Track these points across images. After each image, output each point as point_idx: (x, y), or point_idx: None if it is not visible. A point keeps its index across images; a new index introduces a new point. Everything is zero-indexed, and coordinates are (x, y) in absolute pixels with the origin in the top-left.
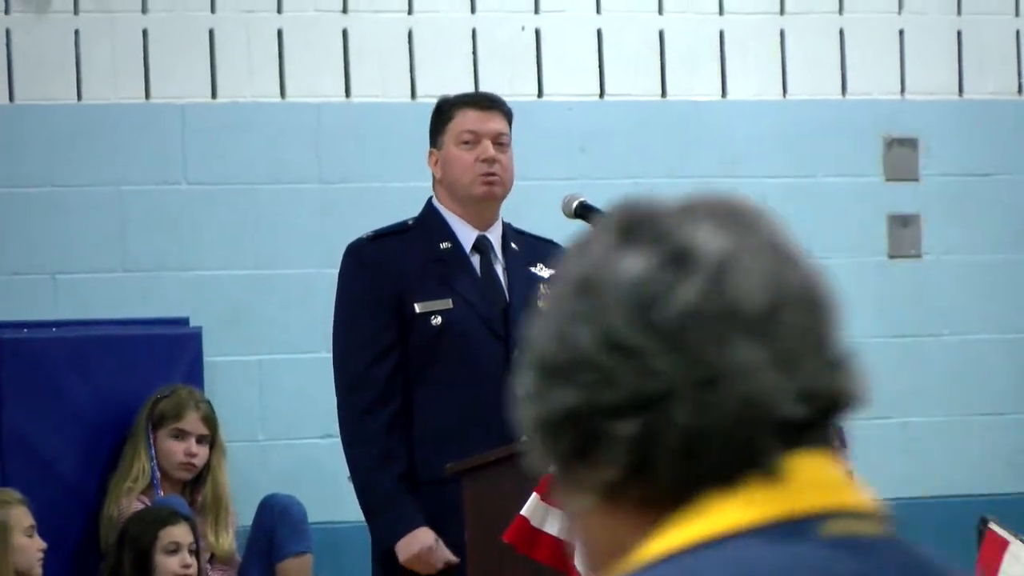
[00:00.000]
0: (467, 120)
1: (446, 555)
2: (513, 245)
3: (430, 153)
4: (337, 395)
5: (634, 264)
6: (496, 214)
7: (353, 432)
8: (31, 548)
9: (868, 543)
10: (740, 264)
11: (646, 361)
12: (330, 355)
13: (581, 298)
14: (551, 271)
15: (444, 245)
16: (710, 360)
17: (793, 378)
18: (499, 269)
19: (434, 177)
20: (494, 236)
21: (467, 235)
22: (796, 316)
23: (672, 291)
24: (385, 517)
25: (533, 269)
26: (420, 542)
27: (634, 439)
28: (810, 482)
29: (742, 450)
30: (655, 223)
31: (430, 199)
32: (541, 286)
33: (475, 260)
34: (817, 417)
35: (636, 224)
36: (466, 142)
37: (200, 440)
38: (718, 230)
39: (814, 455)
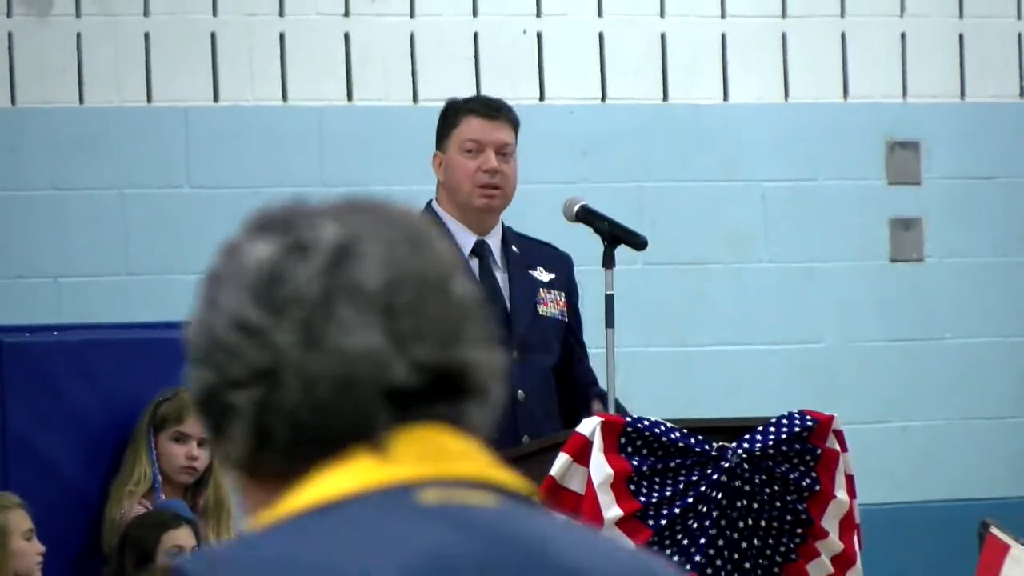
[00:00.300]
0: (472, 128)
1: None
2: (514, 248)
3: (434, 155)
4: None
5: (260, 251)
6: (496, 220)
7: None
8: (30, 552)
9: (464, 512)
10: (360, 251)
11: (266, 337)
12: None
13: (215, 286)
14: (551, 275)
15: None
16: (320, 333)
17: (404, 351)
18: (498, 274)
19: (437, 179)
20: (493, 241)
21: (466, 239)
22: (413, 296)
23: (291, 273)
24: None
25: (533, 273)
26: None
27: (253, 410)
28: (416, 453)
29: (352, 420)
30: (286, 219)
31: (430, 202)
32: (541, 290)
33: (473, 264)
34: (431, 390)
35: (269, 220)
36: (469, 150)
37: (201, 443)
38: (344, 223)
39: (427, 428)
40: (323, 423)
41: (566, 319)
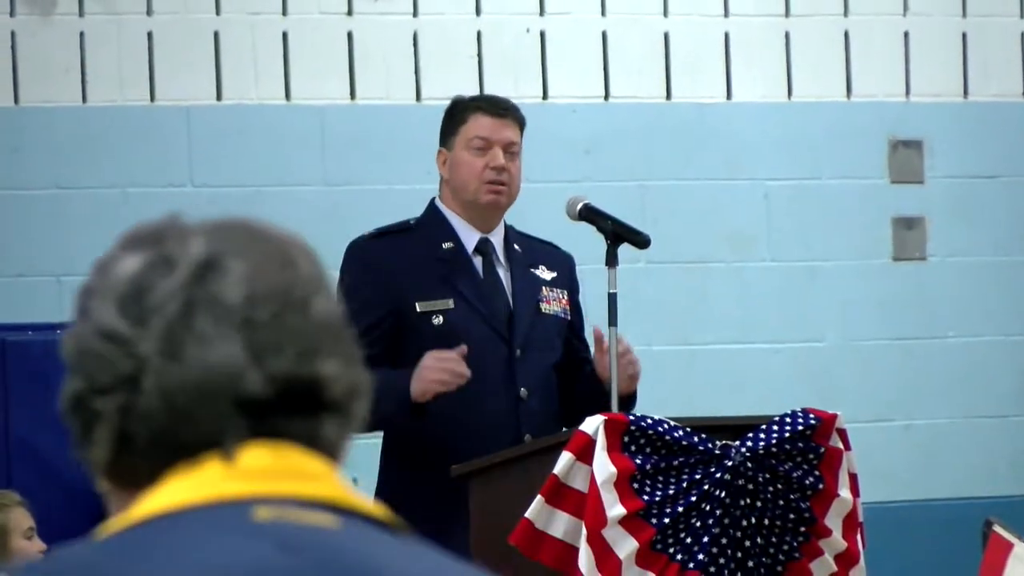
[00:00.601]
0: (480, 126)
1: (457, 357)
2: (516, 247)
3: (439, 152)
4: None
5: (129, 265)
6: (500, 218)
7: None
8: (31, 550)
9: (297, 531)
10: (223, 266)
11: (130, 346)
12: None
13: (88, 298)
14: (553, 273)
15: (446, 245)
16: (180, 343)
17: (260, 363)
18: (501, 271)
19: (441, 176)
20: (496, 239)
21: (470, 237)
22: (272, 311)
23: (155, 285)
24: (388, 394)
25: (535, 271)
26: (425, 364)
27: (116, 415)
28: (263, 468)
29: (206, 429)
30: (157, 234)
31: (433, 199)
32: (543, 288)
33: (477, 262)
34: (286, 403)
35: (141, 236)
36: (477, 148)
37: None
38: (212, 240)
39: (280, 444)
40: (179, 430)
41: (569, 317)
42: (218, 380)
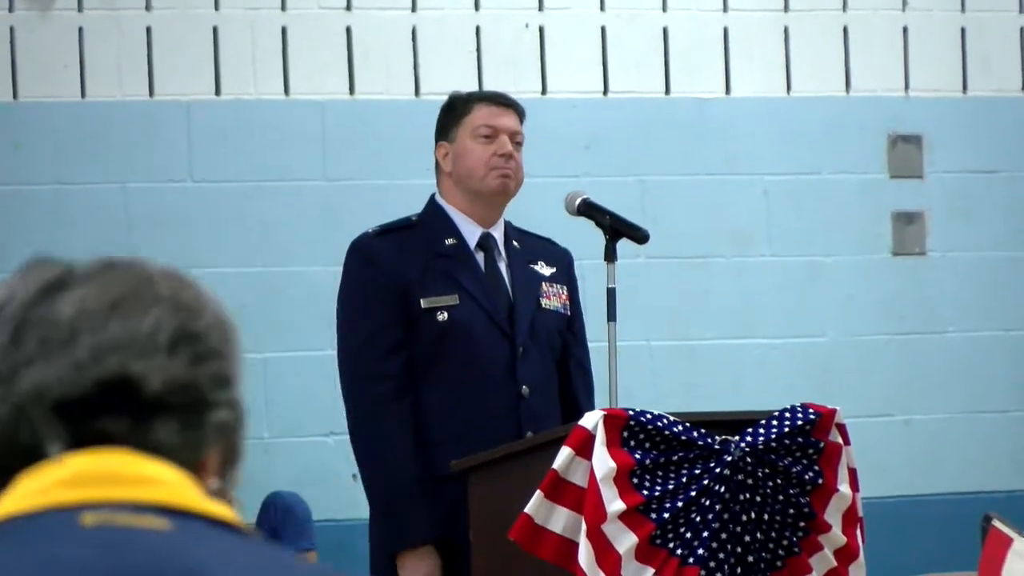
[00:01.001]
0: (486, 115)
1: None
2: (515, 243)
3: (439, 146)
4: (348, 390)
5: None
6: (501, 212)
7: (370, 425)
8: None
9: (124, 535)
10: (66, 289)
11: None
12: (335, 353)
13: None
14: (552, 269)
15: (449, 241)
16: (11, 359)
17: (81, 371)
18: (502, 267)
19: (440, 171)
20: (497, 234)
21: (472, 232)
22: (97, 322)
23: (5, 305)
24: (397, 518)
25: (535, 267)
26: (428, 564)
27: None
28: (90, 474)
29: (30, 440)
30: (28, 267)
31: (433, 196)
32: (543, 284)
33: (479, 257)
34: (102, 406)
35: (20, 270)
36: (485, 136)
37: None
38: (71, 270)
39: (107, 451)
40: (11, 442)
41: (568, 313)
42: (40, 396)
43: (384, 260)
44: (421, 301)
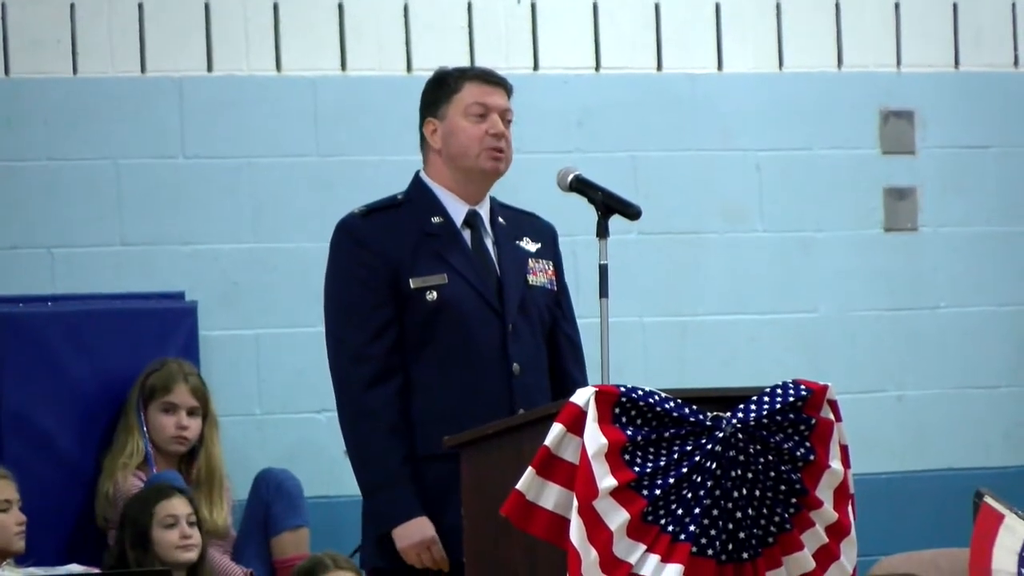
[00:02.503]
0: (477, 93)
1: (441, 554)
2: (500, 220)
3: (427, 122)
4: (335, 370)
5: None
6: (488, 190)
7: (356, 406)
8: (7, 523)
9: None
10: None
11: None
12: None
13: None
14: (537, 244)
15: (436, 220)
16: None
17: None
18: (489, 244)
19: (427, 148)
20: (483, 211)
21: (458, 210)
22: None
23: None
24: (386, 497)
25: (520, 243)
26: (422, 533)
27: None
28: None
29: None
30: None
31: (418, 173)
32: (530, 260)
33: (466, 235)
34: None
35: None
36: (478, 115)
37: (191, 413)
38: None
39: None
40: None
41: (555, 288)
42: None
43: (372, 241)
44: (411, 281)
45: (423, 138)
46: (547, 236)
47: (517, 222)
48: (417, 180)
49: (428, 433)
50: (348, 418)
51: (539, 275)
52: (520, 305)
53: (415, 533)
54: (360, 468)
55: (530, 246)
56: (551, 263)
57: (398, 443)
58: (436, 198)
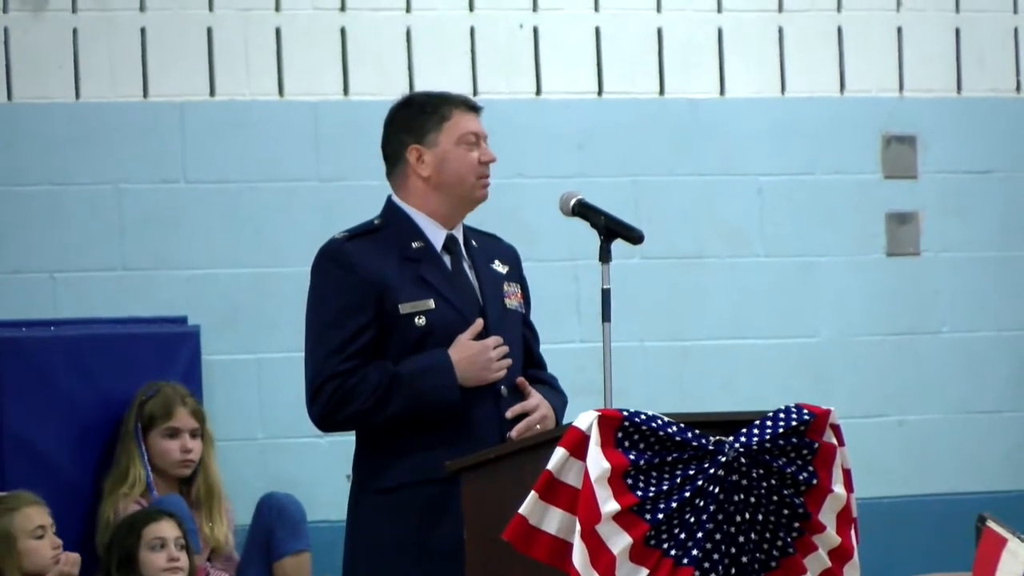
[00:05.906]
0: (468, 122)
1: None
2: (473, 243)
3: (411, 148)
4: (312, 390)
5: None
6: (464, 215)
7: (337, 380)
8: (41, 549)
9: None
10: None
11: None
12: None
13: None
14: (506, 267)
15: (415, 244)
16: None
17: None
18: (467, 268)
19: (405, 173)
20: (458, 235)
21: (436, 234)
22: None
23: None
24: (415, 383)
25: (494, 267)
26: (468, 348)
27: None
28: None
29: None
30: None
31: (389, 198)
32: (504, 283)
33: (446, 259)
34: None
35: None
36: (470, 143)
37: (194, 434)
38: None
39: None
40: None
41: (524, 311)
42: None
43: (360, 264)
44: (400, 307)
45: (399, 162)
46: (513, 259)
47: (487, 245)
48: (391, 205)
49: (418, 458)
50: (333, 395)
51: (512, 299)
52: (502, 329)
53: (463, 351)
54: (377, 410)
55: (501, 268)
56: (519, 286)
57: (381, 366)
58: (414, 223)
